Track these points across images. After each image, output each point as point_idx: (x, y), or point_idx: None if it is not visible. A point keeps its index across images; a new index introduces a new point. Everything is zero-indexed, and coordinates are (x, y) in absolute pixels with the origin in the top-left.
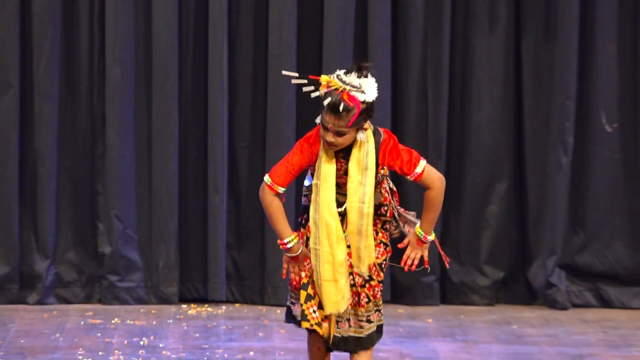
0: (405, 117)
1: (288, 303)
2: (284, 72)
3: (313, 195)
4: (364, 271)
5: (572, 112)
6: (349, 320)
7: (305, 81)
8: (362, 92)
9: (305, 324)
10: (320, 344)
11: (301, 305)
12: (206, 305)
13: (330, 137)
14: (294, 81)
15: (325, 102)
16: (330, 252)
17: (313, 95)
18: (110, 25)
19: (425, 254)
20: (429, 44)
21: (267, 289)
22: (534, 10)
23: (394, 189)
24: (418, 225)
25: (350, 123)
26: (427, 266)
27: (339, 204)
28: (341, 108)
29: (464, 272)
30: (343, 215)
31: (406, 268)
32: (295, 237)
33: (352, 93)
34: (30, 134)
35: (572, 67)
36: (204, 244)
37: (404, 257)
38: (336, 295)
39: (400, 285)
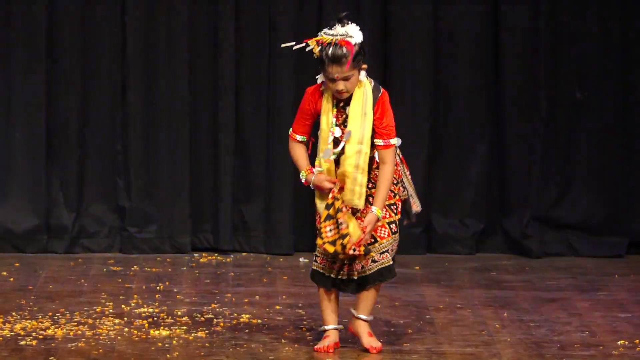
0: (394, 84)
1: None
2: (282, 45)
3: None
4: (359, 204)
5: (545, 80)
6: (351, 265)
7: (302, 45)
8: (351, 36)
9: (318, 241)
10: (330, 292)
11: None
12: (216, 254)
13: (340, 86)
14: (283, 45)
15: (323, 55)
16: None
17: (313, 54)
18: (129, 4)
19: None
20: (416, 18)
21: (271, 239)
22: None
23: (401, 155)
24: (376, 206)
25: (348, 64)
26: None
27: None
28: (340, 56)
29: (448, 224)
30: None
31: (360, 250)
32: (304, 171)
33: (345, 39)
34: (57, 100)
35: (545, 40)
36: (214, 199)
37: (361, 238)
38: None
39: None
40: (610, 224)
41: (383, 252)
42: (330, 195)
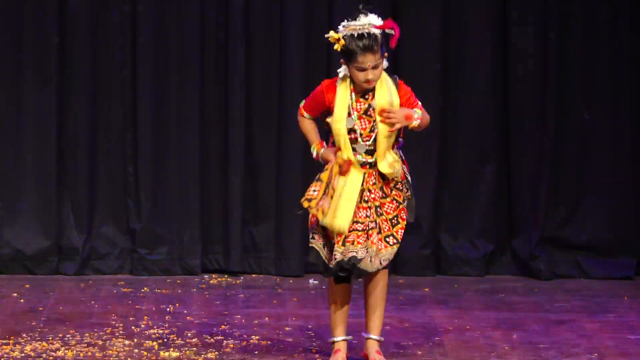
0: None
1: (311, 244)
2: (326, 35)
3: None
4: (387, 169)
5: (553, 101)
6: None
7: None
8: (374, 25)
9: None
10: (341, 289)
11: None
12: (226, 276)
13: (370, 75)
14: (327, 35)
15: (356, 47)
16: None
17: (335, 48)
18: (140, 27)
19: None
20: (425, 39)
21: (281, 261)
22: (519, 14)
23: (404, 157)
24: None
25: (380, 51)
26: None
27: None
28: (374, 44)
29: (457, 246)
30: (369, 164)
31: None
32: (315, 145)
33: (373, 29)
34: (68, 122)
35: (553, 61)
36: (224, 221)
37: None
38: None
39: (400, 258)
40: (620, 245)
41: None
42: (329, 164)
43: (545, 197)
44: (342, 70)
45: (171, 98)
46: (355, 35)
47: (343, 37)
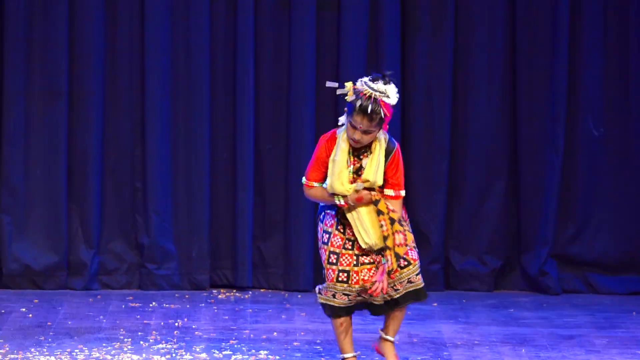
0: (413, 122)
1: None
2: (327, 84)
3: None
4: (375, 242)
5: (562, 118)
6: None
7: (337, 85)
8: (388, 97)
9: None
10: (343, 319)
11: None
12: (234, 291)
13: (358, 135)
14: (328, 84)
15: (357, 105)
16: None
17: (345, 97)
18: (148, 43)
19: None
20: (434, 59)
21: (290, 276)
22: (527, 31)
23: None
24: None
25: (376, 122)
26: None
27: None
28: (373, 112)
29: (466, 261)
30: None
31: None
32: (337, 195)
33: (382, 99)
34: (77, 137)
35: (562, 78)
36: (232, 236)
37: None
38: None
39: None
40: (628, 261)
41: (418, 274)
42: (374, 193)
43: (554, 213)
44: (342, 119)
45: (179, 114)
46: (363, 96)
47: (354, 91)
